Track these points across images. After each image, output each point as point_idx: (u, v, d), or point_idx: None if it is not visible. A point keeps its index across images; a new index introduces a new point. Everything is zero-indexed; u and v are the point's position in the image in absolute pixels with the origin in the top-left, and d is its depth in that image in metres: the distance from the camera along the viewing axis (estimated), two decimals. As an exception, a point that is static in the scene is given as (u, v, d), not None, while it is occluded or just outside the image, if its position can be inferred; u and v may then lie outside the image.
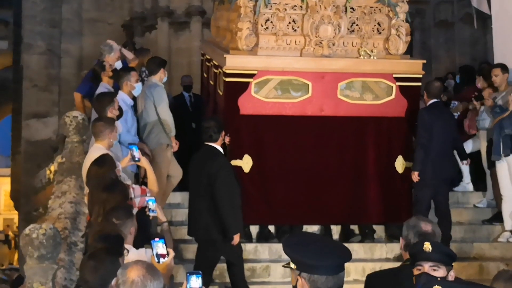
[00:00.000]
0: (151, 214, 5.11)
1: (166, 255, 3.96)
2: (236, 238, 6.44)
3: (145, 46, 12.00)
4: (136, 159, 5.85)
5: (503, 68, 8.08)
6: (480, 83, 8.54)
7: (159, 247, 3.97)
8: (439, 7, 13.35)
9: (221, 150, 6.58)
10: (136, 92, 7.49)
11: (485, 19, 10.40)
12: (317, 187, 7.29)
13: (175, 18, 12.83)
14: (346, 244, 7.50)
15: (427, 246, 3.35)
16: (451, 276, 3.35)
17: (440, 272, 3.32)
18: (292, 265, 2.71)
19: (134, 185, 5.91)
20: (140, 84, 7.57)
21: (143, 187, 5.84)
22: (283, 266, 2.83)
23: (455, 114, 9.25)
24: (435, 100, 7.51)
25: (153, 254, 3.90)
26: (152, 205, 5.09)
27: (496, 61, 8.56)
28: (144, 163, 5.96)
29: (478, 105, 8.38)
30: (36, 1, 13.90)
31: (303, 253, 2.71)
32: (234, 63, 7.09)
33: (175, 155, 7.91)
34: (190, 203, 6.74)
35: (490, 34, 9.49)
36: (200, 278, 2.99)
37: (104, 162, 5.43)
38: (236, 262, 6.62)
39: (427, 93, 7.51)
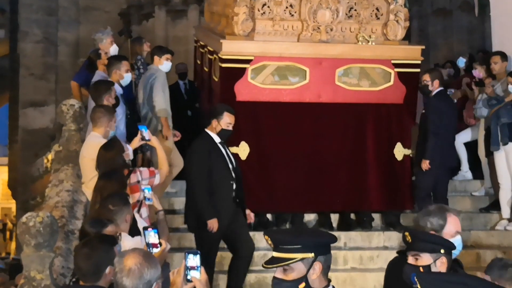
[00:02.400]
0: (147, 202, 5.10)
1: (158, 245, 3.96)
2: (211, 225, 6.12)
3: (142, 34, 11.95)
4: (147, 138, 5.88)
5: (503, 56, 8.06)
6: (482, 72, 8.49)
7: (151, 236, 3.98)
8: (437, -6, 13.31)
9: (212, 135, 6.30)
10: (124, 82, 7.39)
11: (483, 7, 10.34)
12: (315, 174, 7.24)
13: (172, 6, 12.80)
14: (344, 233, 7.47)
15: (407, 236, 3.31)
16: (440, 263, 3.25)
17: (423, 261, 3.25)
18: (310, 255, 2.78)
19: (141, 168, 5.91)
20: (129, 74, 7.44)
21: (152, 168, 5.84)
22: (290, 263, 2.79)
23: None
24: (441, 88, 7.52)
25: (145, 243, 3.90)
26: (148, 193, 5.08)
27: (494, 49, 8.52)
28: (154, 142, 6.01)
29: (476, 90, 8.35)
30: (32, -12, 13.84)
31: (319, 236, 2.86)
32: (230, 48, 7.02)
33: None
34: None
35: (488, 22, 9.42)
36: (198, 257, 2.99)
37: (112, 146, 5.44)
38: (241, 255, 6.27)
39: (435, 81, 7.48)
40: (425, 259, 3.25)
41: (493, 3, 8.82)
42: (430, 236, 3.38)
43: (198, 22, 12.19)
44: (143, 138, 5.88)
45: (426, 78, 7.47)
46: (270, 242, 2.84)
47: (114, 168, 5.24)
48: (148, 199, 5.11)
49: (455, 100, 9.05)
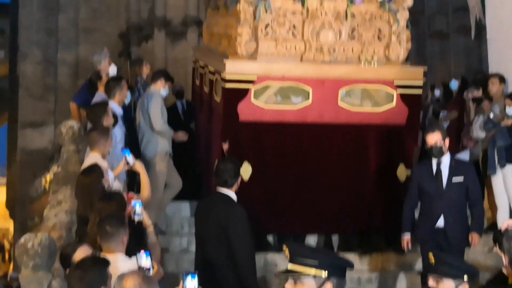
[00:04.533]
0: (136, 218, 5.07)
1: (151, 268, 3.95)
2: None
3: (142, 55, 12.00)
4: (131, 163, 5.86)
5: (501, 78, 8.11)
6: (479, 95, 8.50)
7: (143, 260, 3.98)
8: (434, 18, 13.42)
9: (235, 198, 5.59)
10: (126, 101, 7.61)
11: (480, 30, 10.41)
12: (318, 195, 7.20)
13: (172, 28, 12.86)
14: (342, 253, 7.38)
15: (431, 257, 3.24)
16: None
17: (444, 285, 3.18)
18: (323, 273, 2.79)
19: None
20: (129, 92, 7.69)
21: (130, 194, 5.78)
22: (301, 275, 2.78)
23: (445, 123, 9.23)
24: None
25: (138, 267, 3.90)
26: (138, 208, 5.06)
27: (490, 71, 8.57)
28: (138, 167, 5.99)
29: (473, 108, 8.37)
30: (32, 10, 13.88)
31: (336, 257, 2.89)
32: (233, 69, 7.01)
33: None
34: (199, 257, 5.71)
35: (485, 44, 9.47)
36: (195, 279, 2.96)
37: (91, 172, 5.45)
38: None
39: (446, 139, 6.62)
40: (447, 284, 3.19)
41: (489, 26, 8.87)
42: (455, 260, 3.30)
43: (197, 44, 12.24)
44: (127, 163, 5.89)
45: (438, 137, 6.43)
46: (287, 252, 2.86)
47: (113, 190, 5.27)
48: (138, 214, 5.08)
49: (448, 122, 9.06)
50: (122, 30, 13.49)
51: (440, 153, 6.41)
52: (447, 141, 6.48)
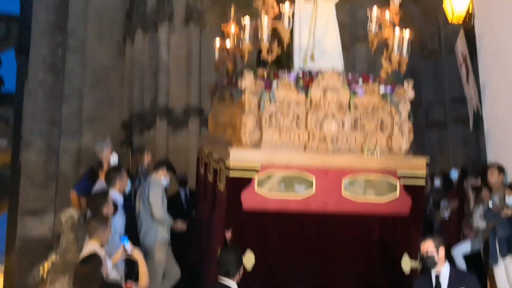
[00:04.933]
0: None
1: None
2: None
3: (143, 144, 12.10)
4: (129, 251, 5.90)
5: (500, 168, 8.15)
6: (477, 184, 8.54)
7: None
8: (431, 108, 13.60)
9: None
10: (127, 190, 7.69)
11: (477, 120, 10.55)
12: (321, 285, 7.08)
13: (173, 117, 13.00)
14: None
15: None
16: None
17: None
18: None
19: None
20: (129, 181, 7.76)
21: (128, 283, 5.75)
22: None
23: (447, 213, 9.18)
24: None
25: None
26: None
27: (489, 161, 8.61)
28: (137, 255, 5.97)
29: (472, 197, 8.36)
30: (37, 100, 14.08)
31: None
32: (237, 157, 7.05)
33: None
34: None
35: (483, 134, 9.57)
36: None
37: (89, 261, 5.46)
38: None
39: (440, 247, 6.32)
40: None
41: (486, 117, 8.98)
42: None
43: (198, 132, 12.35)
44: (125, 251, 5.95)
45: (430, 247, 6.14)
46: None
47: (111, 280, 5.21)
48: None
49: (449, 212, 9.02)
50: (125, 119, 13.64)
51: (433, 263, 6.11)
52: (441, 250, 6.14)
